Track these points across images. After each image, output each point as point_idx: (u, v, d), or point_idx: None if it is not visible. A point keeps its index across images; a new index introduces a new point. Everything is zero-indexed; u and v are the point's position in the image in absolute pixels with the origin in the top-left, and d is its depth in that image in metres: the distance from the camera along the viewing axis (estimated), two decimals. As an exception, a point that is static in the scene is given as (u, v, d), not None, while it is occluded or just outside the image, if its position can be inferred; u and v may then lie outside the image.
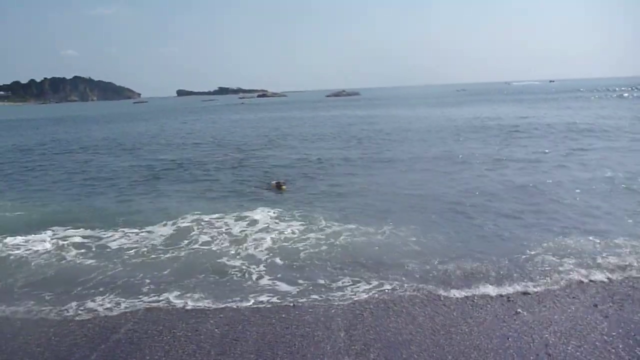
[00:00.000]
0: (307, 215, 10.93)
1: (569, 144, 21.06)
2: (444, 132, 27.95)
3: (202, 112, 75.03)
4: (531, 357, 5.25)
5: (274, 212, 11.20)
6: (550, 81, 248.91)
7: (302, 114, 55.59)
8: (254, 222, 10.52)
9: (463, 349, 5.44)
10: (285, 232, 9.78)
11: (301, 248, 8.91)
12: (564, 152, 18.77)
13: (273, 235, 9.60)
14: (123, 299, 6.97)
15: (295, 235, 9.60)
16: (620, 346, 5.39)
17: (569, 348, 5.40)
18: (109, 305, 6.81)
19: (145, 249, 9.11)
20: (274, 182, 14.72)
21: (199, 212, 11.35)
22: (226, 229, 10.11)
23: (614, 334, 5.65)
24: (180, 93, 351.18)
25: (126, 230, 10.33)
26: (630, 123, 28.40)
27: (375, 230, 9.74)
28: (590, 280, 7.15)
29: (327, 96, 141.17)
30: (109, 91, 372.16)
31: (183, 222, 10.65)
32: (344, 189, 13.96)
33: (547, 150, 19.34)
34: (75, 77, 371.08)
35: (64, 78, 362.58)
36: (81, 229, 10.47)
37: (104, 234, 10.10)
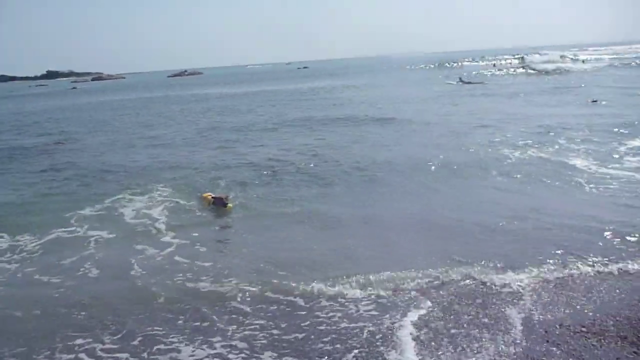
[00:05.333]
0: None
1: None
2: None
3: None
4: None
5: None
6: (287, 63, 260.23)
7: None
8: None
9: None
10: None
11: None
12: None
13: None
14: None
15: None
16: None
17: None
18: None
19: None
20: (210, 195, 11.03)
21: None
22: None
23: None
24: (1, 79, 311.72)
25: None
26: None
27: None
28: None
29: (169, 76, 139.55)
30: None
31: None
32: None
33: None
34: None
35: None
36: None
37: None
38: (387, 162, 14.10)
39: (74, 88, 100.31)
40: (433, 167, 13.16)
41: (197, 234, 9.37)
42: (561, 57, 65.87)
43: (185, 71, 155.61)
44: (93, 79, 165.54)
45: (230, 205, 10.60)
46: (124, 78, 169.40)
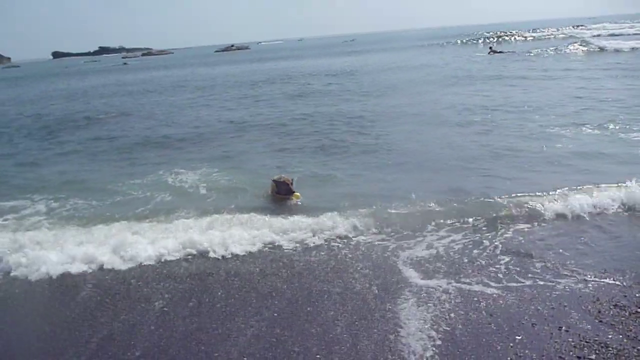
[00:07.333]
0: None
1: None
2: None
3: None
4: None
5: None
6: (299, 40, 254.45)
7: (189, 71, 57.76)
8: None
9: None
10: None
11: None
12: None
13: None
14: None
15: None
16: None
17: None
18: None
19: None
20: (275, 181, 9.02)
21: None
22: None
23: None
24: (57, 55, 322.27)
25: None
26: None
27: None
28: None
29: (216, 51, 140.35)
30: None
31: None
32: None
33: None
34: None
35: None
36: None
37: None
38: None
39: (125, 64, 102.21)
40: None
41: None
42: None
43: (232, 46, 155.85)
44: (143, 54, 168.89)
45: (297, 193, 8.91)
46: (172, 53, 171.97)
